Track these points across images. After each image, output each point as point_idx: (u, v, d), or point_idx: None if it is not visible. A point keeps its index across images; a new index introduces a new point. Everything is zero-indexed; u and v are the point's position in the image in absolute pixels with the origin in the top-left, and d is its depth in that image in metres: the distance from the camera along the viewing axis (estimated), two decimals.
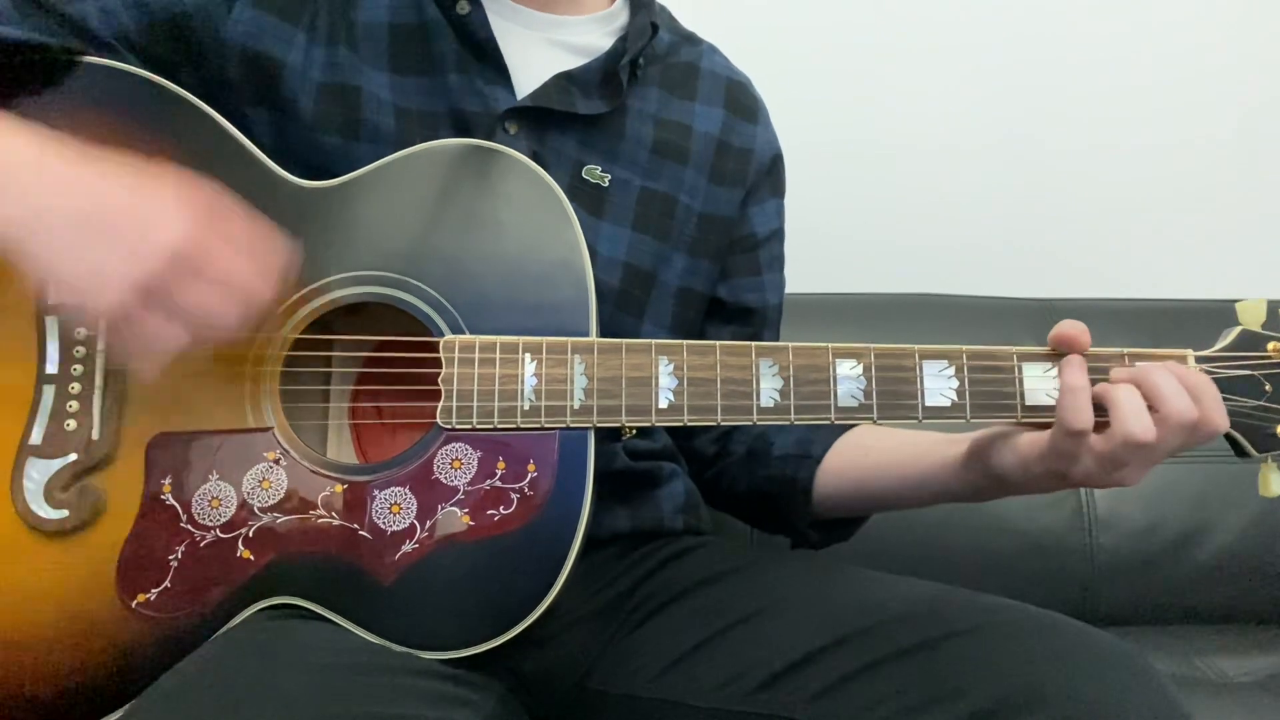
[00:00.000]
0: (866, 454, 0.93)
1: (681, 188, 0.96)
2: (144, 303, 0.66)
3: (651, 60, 0.97)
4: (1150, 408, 0.74)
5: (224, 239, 0.69)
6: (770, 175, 1.04)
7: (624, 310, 0.93)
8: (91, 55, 0.80)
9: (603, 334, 0.80)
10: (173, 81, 0.81)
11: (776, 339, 1.07)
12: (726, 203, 0.99)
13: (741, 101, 1.02)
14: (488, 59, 0.89)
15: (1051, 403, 0.77)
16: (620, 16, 0.97)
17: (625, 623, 0.86)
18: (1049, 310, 1.42)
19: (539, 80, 0.90)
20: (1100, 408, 0.75)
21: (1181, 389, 0.75)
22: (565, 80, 0.90)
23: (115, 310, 0.67)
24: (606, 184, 0.92)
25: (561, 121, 0.90)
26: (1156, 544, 1.35)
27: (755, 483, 0.99)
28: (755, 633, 0.78)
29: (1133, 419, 0.73)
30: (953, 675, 0.67)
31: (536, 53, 0.91)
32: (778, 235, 1.06)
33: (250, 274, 0.71)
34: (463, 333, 0.77)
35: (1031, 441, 0.78)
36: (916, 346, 0.78)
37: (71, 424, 0.75)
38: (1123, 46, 1.64)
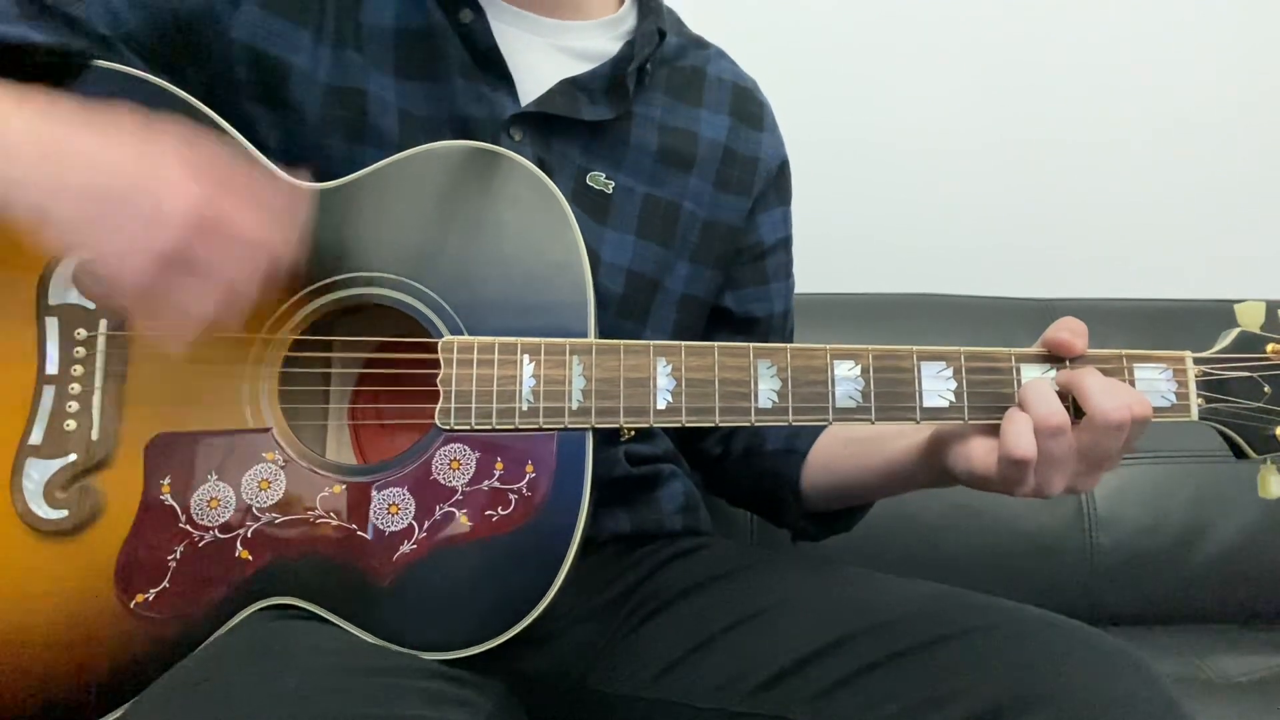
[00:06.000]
0: (845, 445, 0.93)
1: (685, 195, 0.95)
2: (171, 272, 0.65)
3: (658, 65, 0.97)
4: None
5: (236, 194, 0.68)
6: (777, 183, 1.03)
7: (626, 317, 0.92)
8: (94, 56, 0.79)
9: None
10: (178, 81, 0.80)
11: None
12: (731, 211, 0.98)
13: (748, 108, 1.01)
14: (492, 66, 0.88)
15: None
16: (628, 20, 0.96)
17: (625, 623, 0.86)
18: (1049, 310, 1.42)
19: (544, 86, 0.89)
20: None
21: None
22: (571, 86, 0.89)
23: (142, 284, 0.66)
24: (610, 191, 0.91)
25: (566, 127, 0.89)
26: (1156, 544, 1.36)
27: (753, 479, 1.00)
28: (755, 633, 0.78)
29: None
30: (953, 676, 0.68)
31: (542, 58, 0.91)
32: (785, 243, 1.05)
33: (268, 226, 0.70)
34: (461, 334, 0.77)
35: (985, 461, 0.76)
36: (915, 348, 0.78)
37: (71, 424, 0.75)
38: (1123, 47, 1.64)
